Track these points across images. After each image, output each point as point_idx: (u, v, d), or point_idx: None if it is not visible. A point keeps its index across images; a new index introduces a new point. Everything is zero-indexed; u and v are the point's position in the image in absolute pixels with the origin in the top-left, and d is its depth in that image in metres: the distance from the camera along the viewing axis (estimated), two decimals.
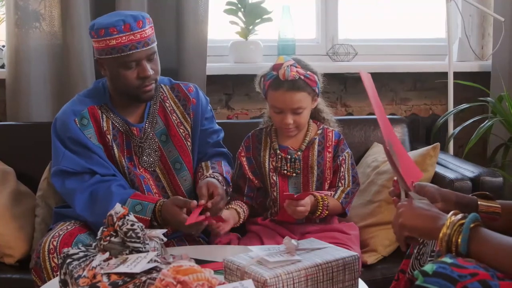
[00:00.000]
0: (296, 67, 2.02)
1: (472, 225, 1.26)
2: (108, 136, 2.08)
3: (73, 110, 2.07)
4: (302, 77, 2.02)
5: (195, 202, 1.91)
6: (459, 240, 1.25)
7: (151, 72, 2.02)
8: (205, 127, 2.24)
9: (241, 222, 2.09)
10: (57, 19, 2.62)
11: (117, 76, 2.02)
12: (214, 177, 2.07)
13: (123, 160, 2.10)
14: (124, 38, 1.97)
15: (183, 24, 2.68)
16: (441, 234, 1.28)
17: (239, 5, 2.86)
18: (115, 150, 2.09)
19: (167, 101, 2.19)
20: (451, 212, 1.31)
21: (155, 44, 2.06)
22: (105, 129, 2.08)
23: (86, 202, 2.00)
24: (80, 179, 2.03)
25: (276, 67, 2.04)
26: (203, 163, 2.21)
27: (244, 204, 2.12)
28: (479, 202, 1.54)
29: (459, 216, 1.29)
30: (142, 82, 2.02)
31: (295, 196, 1.95)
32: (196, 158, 2.22)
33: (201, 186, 1.99)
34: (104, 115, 2.09)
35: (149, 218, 1.95)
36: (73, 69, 2.60)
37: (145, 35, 2.00)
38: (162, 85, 2.20)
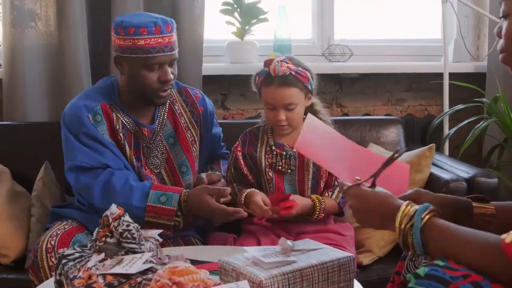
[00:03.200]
0: (287, 62, 2.02)
1: (422, 223, 1.27)
2: (120, 134, 2.08)
3: (86, 106, 2.06)
4: (293, 72, 2.02)
5: (228, 189, 1.99)
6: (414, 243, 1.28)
7: (171, 76, 2.03)
8: (213, 132, 2.30)
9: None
10: (53, 19, 2.61)
11: (137, 76, 2.02)
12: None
13: (134, 160, 2.10)
14: (153, 40, 1.97)
15: (179, 24, 2.66)
16: (396, 233, 1.31)
17: (235, 5, 2.86)
18: (127, 149, 2.09)
19: (176, 104, 2.20)
20: (401, 209, 1.32)
21: (177, 51, 2.07)
22: (117, 127, 2.08)
23: (103, 195, 1.99)
24: (95, 174, 2.02)
25: (267, 63, 2.05)
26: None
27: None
28: (473, 205, 1.54)
29: (407, 216, 1.30)
30: (161, 86, 2.03)
31: (281, 197, 1.97)
32: (204, 162, 2.26)
33: (200, 175, 2.12)
34: (114, 113, 2.09)
35: (175, 209, 1.96)
36: (69, 69, 2.60)
37: (172, 40, 2.02)
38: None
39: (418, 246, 1.27)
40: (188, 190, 2.02)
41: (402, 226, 1.30)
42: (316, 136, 1.67)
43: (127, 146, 2.09)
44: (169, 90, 2.08)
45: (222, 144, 2.39)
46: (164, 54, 2.00)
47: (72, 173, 2.04)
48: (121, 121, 2.09)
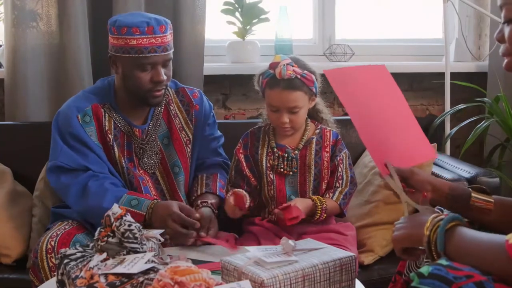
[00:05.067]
0: (292, 66, 2.02)
1: (449, 226, 1.28)
2: (109, 135, 2.08)
3: (77, 107, 2.06)
4: (299, 76, 2.02)
5: (198, 224, 1.91)
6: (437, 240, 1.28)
7: (164, 77, 2.02)
8: (206, 133, 2.25)
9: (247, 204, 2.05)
10: (54, 19, 2.62)
11: (130, 76, 2.02)
12: (206, 203, 2.08)
13: (123, 161, 2.09)
14: (145, 40, 1.96)
15: (180, 24, 2.68)
16: (424, 237, 1.31)
17: (236, 5, 2.86)
18: (115, 150, 2.08)
19: (172, 105, 2.19)
20: (433, 215, 1.33)
21: (172, 51, 2.06)
22: (106, 128, 2.07)
23: (78, 195, 1.99)
24: (74, 175, 2.02)
25: (273, 66, 2.04)
26: (199, 176, 2.22)
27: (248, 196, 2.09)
28: (472, 195, 1.55)
29: (439, 217, 1.31)
30: (153, 86, 2.02)
31: (280, 208, 1.96)
32: (195, 164, 2.24)
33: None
34: (107, 114, 2.09)
35: (144, 214, 1.94)
36: (70, 69, 2.60)
37: (166, 41, 2.01)
38: (168, 88, 2.18)
39: (441, 242, 1.27)
40: (159, 201, 1.98)
41: (433, 223, 1.31)
42: (364, 82, 1.62)
43: (115, 148, 2.09)
44: (163, 91, 2.06)
45: (220, 151, 2.33)
46: (156, 54, 1.99)
47: (53, 173, 2.05)
48: (114, 121, 2.09)
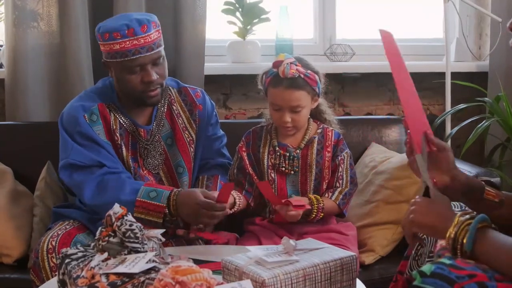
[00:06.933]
0: (296, 65, 2.02)
1: (479, 226, 1.26)
2: (117, 134, 2.07)
3: (83, 106, 2.05)
4: (302, 75, 2.02)
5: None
6: (465, 239, 1.25)
7: (155, 77, 2.00)
8: (209, 134, 2.24)
9: (235, 209, 2.06)
10: (55, 19, 2.62)
11: (122, 79, 2.01)
12: None
13: (130, 160, 2.09)
14: (127, 43, 1.95)
15: (181, 24, 2.68)
16: (448, 233, 1.28)
17: (237, 5, 2.86)
18: (123, 149, 2.08)
19: (174, 105, 2.18)
20: (460, 212, 1.31)
21: (161, 48, 2.04)
22: (114, 127, 2.07)
23: (95, 191, 1.98)
24: (89, 171, 2.00)
25: (276, 64, 2.04)
26: (200, 177, 2.23)
27: (241, 196, 2.11)
28: (486, 188, 1.55)
29: (467, 216, 1.29)
30: (146, 87, 2.01)
31: (283, 201, 1.96)
32: (198, 165, 2.23)
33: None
34: (112, 113, 2.08)
35: (165, 205, 1.92)
36: (71, 69, 2.60)
37: (150, 40, 1.98)
38: (170, 88, 2.18)
39: (470, 241, 1.25)
40: (181, 189, 1.98)
41: (461, 221, 1.29)
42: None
43: (123, 147, 2.08)
44: (158, 90, 2.05)
45: (224, 151, 2.32)
46: (141, 55, 1.97)
47: (66, 171, 2.03)
48: (119, 121, 2.09)
